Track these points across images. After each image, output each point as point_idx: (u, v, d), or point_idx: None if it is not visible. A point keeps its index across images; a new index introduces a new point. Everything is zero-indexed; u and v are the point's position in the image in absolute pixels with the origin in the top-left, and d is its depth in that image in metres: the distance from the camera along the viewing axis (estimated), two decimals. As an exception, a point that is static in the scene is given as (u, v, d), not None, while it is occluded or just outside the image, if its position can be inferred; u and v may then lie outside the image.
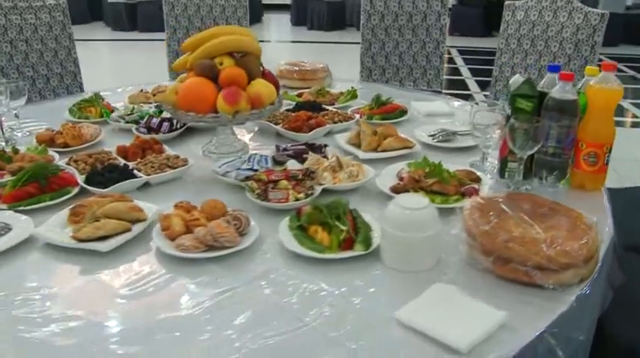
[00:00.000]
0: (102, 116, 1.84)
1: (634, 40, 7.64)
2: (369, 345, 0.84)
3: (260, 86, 1.46)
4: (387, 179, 1.35)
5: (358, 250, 1.04)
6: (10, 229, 1.13)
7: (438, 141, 1.63)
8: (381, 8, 2.88)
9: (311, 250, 1.04)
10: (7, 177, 1.36)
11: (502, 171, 1.40)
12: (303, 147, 1.48)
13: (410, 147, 1.53)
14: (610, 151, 1.31)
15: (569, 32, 2.28)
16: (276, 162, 1.40)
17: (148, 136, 1.57)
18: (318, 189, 1.27)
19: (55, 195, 1.26)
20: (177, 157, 1.43)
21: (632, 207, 1.66)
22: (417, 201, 1.02)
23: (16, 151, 1.48)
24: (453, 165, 1.38)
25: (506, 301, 0.93)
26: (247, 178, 1.29)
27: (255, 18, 9.35)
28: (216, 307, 0.93)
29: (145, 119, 1.70)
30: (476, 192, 1.27)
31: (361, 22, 2.94)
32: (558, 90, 1.30)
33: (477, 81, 5.90)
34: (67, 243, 1.06)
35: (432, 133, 1.68)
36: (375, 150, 1.52)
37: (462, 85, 5.80)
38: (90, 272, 1.03)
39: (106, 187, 1.27)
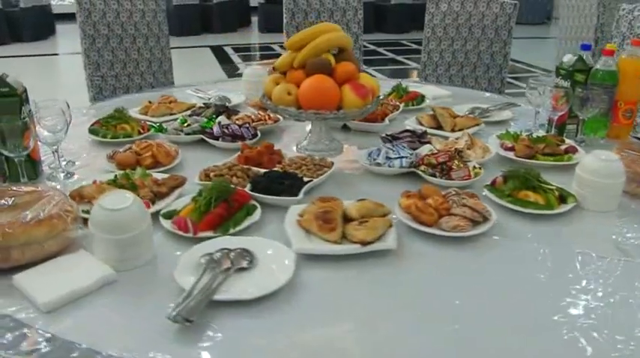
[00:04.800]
0: (139, 132, 1.64)
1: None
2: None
3: (369, 79, 1.51)
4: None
5: (571, 202, 1.24)
6: (251, 253, 1.02)
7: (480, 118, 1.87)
8: (304, 6, 2.99)
9: (543, 209, 1.20)
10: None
11: (561, 132, 1.71)
12: (409, 133, 1.58)
13: (479, 124, 1.74)
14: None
15: (490, 20, 2.73)
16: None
17: (242, 142, 1.50)
18: (473, 163, 1.40)
19: (249, 211, 1.16)
20: (315, 158, 1.41)
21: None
22: (608, 154, 1.26)
23: (128, 177, 1.28)
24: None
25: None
26: (413, 164, 1.37)
27: (49, 30, 8.28)
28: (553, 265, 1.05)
29: (219, 128, 1.59)
30: (576, 149, 1.55)
31: (284, 21, 3.01)
32: (602, 63, 1.66)
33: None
34: (353, 250, 1.02)
35: (467, 112, 1.91)
36: (453, 130, 1.70)
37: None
38: (381, 272, 1.02)
39: (296, 195, 1.22)
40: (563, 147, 1.56)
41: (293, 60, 1.47)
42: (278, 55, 7.29)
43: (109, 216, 0.97)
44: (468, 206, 1.12)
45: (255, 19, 9.26)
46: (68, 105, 1.43)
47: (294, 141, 1.65)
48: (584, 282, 1.00)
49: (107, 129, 1.63)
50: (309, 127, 1.73)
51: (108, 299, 0.94)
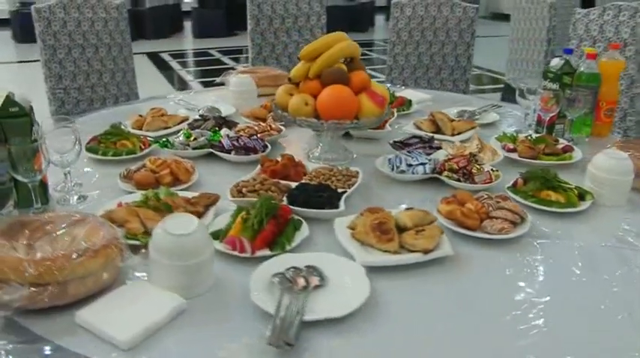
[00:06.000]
0: (141, 148, 1.57)
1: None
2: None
3: (380, 87, 1.53)
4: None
5: (589, 199, 1.32)
6: (318, 269, 1.01)
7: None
8: (268, 12, 2.97)
9: (567, 207, 1.27)
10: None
11: (550, 132, 1.81)
12: (418, 139, 1.62)
13: (474, 128, 1.81)
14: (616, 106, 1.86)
15: (453, 23, 2.84)
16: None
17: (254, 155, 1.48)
18: (487, 166, 1.46)
19: (296, 226, 1.15)
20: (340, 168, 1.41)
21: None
22: (618, 153, 1.35)
23: (157, 197, 1.22)
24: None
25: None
26: (436, 170, 1.40)
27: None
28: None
29: (229, 141, 1.55)
30: (572, 148, 1.64)
31: (249, 27, 2.98)
32: (586, 66, 1.77)
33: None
34: (417, 258, 1.03)
35: (456, 115, 1.98)
36: (452, 134, 1.75)
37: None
38: (441, 277, 1.05)
39: (337, 207, 1.22)
40: (559, 146, 1.66)
41: (307, 70, 1.47)
42: (216, 61, 7.12)
43: (176, 242, 0.92)
44: (506, 208, 1.17)
45: (187, 24, 9.05)
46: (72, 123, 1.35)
47: (298, 150, 1.64)
48: (628, 273, 1.07)
49: (107, 146, 1.55)
50: (309, 135, 1.73)
51: (182, 329, 0.89)
